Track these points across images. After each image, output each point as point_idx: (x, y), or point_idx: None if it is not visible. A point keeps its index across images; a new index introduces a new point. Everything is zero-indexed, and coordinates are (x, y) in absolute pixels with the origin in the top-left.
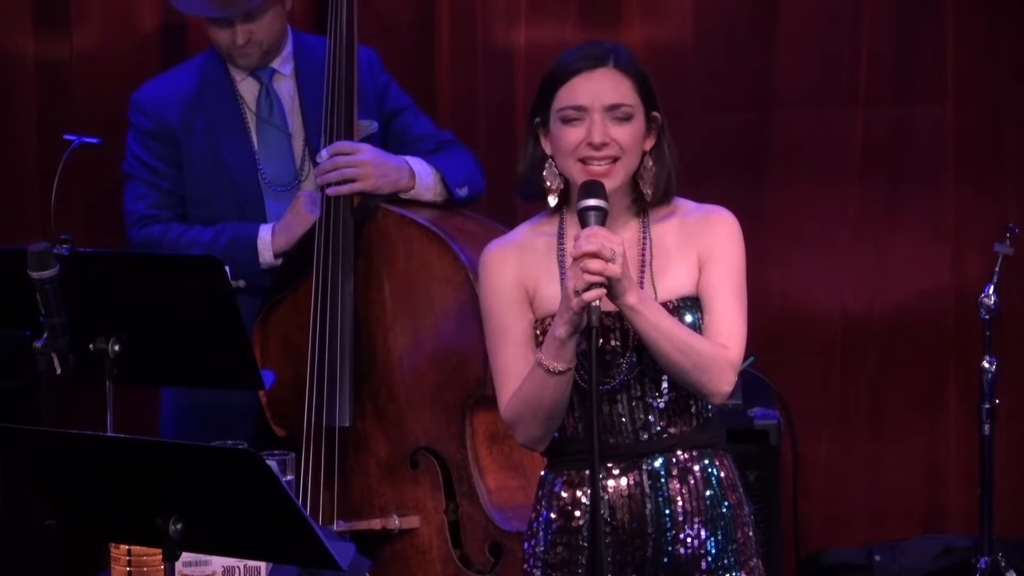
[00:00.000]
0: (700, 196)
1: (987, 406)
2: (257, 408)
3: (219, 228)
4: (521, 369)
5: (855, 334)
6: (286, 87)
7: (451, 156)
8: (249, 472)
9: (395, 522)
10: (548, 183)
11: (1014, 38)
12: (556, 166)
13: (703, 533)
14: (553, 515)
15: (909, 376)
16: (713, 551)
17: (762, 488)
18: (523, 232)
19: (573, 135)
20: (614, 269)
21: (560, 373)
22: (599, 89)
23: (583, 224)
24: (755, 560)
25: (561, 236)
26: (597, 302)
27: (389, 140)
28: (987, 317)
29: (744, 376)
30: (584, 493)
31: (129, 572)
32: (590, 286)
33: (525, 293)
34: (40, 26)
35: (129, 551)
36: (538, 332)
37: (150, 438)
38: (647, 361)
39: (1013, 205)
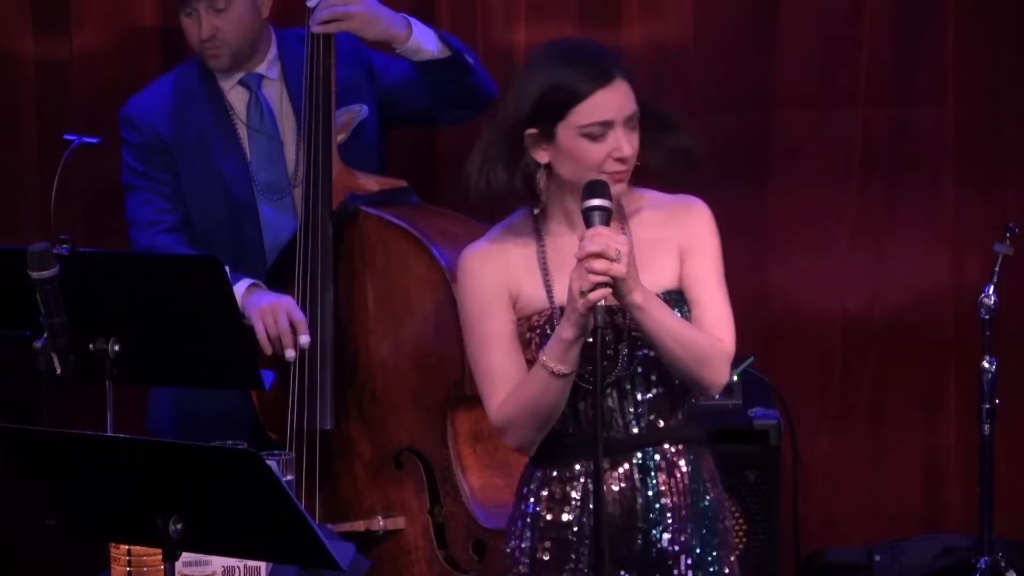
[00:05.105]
0: (700, 196)
1: (987, 406)
2: (250, 412)
3: None
4: (511, 372)
5: (855, 334)
6: (275, 92)
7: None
8: (249, 472)
9: (379, 523)
10: (541, 190)
11: (1014, 38)
12: (556, 176)
13: (689, 527)
14: (541, 511)
15: (909, 376)
16: (698, 545)
17: (762, 488)
18: (499, 234)
19: (598, 150)
20: (619, 269)
21: (564, 375)
22: (621, 102)
23: (588, 224)
24: (734, 554)
25: (539, 236)
26: (602, 302)
27: (394, 99)
28: (987, 317)
29: (744, 376)
30: (574, 488)
31: (129, 572)
32: (595, 286)
33: (508, 295)
34: (40, 26)
35: (129, 551)
36: (527, 333)
37: (150, 438)
38: (637, 356)
39: (1013, 205)
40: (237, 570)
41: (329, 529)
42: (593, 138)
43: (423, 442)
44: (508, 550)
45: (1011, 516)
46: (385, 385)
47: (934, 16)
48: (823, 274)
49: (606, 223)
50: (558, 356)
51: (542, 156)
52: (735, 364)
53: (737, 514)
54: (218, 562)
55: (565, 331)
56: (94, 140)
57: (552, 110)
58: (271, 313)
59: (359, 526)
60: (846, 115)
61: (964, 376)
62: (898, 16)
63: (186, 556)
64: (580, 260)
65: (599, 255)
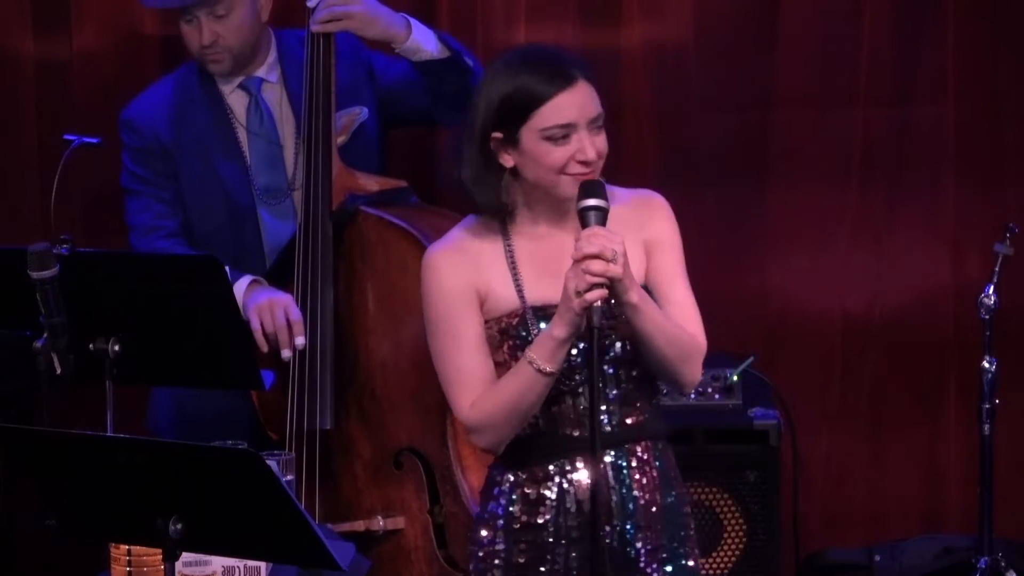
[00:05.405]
0: (700, 196)
1: (987, 406)
2: (250, 412)
3: None
4: (481, 373)
5: (855, 334)
6: (274, 95)
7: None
8: (249, 472)
9: (379, 523)
10: (508, 196)
11: (1014, 38)
12: (522, 178)
13: (661, 524)
14: (515, 512)
15: (909, 376)
16: (668, 541)
17: (762, 488)
18: (462, 235)
19: (560, 153)
20: (616, 270)
21: (550, 374)
22: (582, 104)
23: (583, 224)
24: (696, 549)
25: (506, 235)
26: (598, 302)
27: (394, 99)
28: (987, 317)
29: (744, 376)
30: (548, 489)
31: (129, 572)
32: (591, 287)
33: (476, 295)
34: (40, 26)
35: (129, 551)
36: (498, 335)
37: (150, 438)
38: (608, 354)
39: (1013, 205)
40: (237, 570)
41: (329, 529)
42: (555, 141)
43: (423, 442)
44: (481, 554)
45: (1011, 516)
46: (385, 385)
47: (934, 16)
48: (823, 274)
49: (602, 223)
50: (548, 355)
51: (507, 160)
52: (736, 364)
53: (737, 514)
54: (218, 562)
55: (558, 330)
56: (94, 140)
57: (514, 114)
58: (268, 309)
59: (359, 526)
60: (846, 115)
61: (964, 376)
62: (898, 16)
63: (186, 556)
64: (577, 261)
65: (596, 256)
